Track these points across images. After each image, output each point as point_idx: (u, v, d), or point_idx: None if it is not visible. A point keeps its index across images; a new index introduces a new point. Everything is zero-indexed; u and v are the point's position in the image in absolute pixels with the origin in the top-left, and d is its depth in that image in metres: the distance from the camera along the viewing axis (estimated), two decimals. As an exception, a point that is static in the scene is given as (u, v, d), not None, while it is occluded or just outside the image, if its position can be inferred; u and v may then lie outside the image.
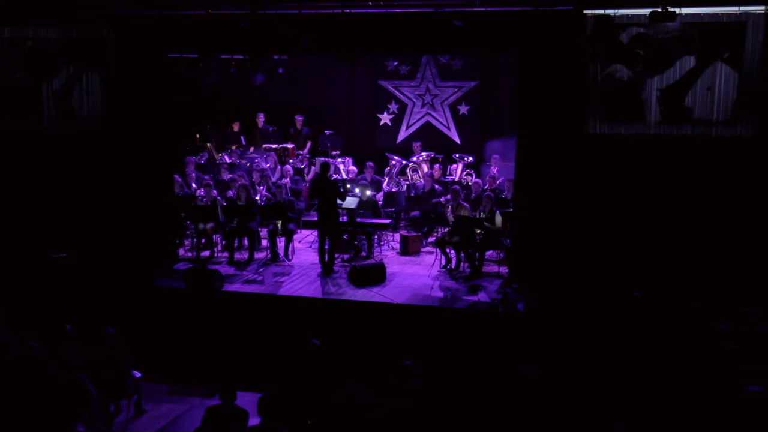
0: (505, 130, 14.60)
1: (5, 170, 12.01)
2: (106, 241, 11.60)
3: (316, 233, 11.86)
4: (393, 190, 13.68)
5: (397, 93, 15.96)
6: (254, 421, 6.50)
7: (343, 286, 10.56)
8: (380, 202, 13.04)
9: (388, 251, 12.58)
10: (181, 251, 12.34)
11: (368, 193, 12.72)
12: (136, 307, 10.25)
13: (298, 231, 12.82)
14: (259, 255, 12.00)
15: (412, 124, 15.96)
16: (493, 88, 15.33)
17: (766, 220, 9.54)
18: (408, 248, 12.34)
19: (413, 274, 11.19)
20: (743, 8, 9.16)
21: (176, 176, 12.75)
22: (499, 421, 6.58)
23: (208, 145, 15.16)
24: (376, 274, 10.74)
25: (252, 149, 15.14)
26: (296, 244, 12.35)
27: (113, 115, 11.55)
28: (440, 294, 10.27)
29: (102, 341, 7.93)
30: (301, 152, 15.15)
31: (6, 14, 11.47)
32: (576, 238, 10.14)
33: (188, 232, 12.48)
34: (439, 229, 11.93)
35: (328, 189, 11.10)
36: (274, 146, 15.03)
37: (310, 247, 12.50)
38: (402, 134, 16.03)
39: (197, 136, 15.30)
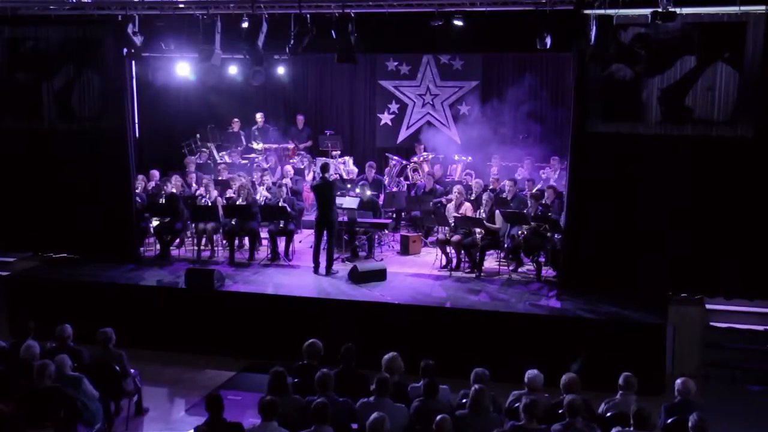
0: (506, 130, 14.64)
1: (6, 170, 12.00)
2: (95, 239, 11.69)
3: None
4: (393, 189, 13.68)
5: (398, 93, 15.96)
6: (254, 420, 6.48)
7: (343, 286, 10.55)
8: (381, 202, 13.04)
9: (388, 251, 12.57)
10: (182, 251, 12.33)
11: (368, 193, 12.71)
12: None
13: (299, 231, 12.81)
14: (260, 255, 11.99)
15: (413, 124, 15.97)
16: (493, 88, 15.33)
17: (766, 220, 9.53)
18: (408, 248, 12.34)
19: (413, 274, 11.18)
20: (744, 8, 9.12)
21: (176, 176, 12.77)
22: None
23: (209, 144, 15.16)
24: (376, 274, 10.73)
25: (252, 149, 15.15)
26: (296, 244, 12.34)
27: (113, 115, 11.54)
28: (440, 294, 10.26)
29: (102, 341, 7.91)
30: (302, 151, 15.16)
31: (6, 14, 11.46)
32: (583, 238, 10.18)
33: (188, 232, 12.48)
34: (439, 229, 11.92)
35: (326, 189, 11.09)
36: (274, 146, 15.04)
37: (311, 247, 12.46)
38: (402, 134, 16.04)
39: (197, 135, 15.30)
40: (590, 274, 10.14)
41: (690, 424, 5.78)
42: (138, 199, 12.08)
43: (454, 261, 11.41)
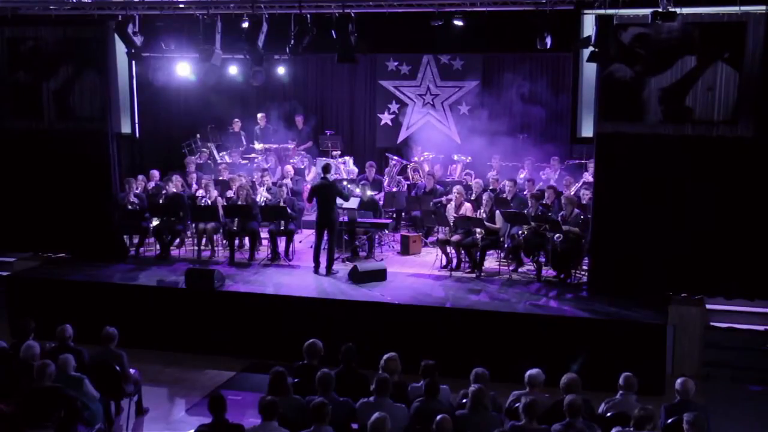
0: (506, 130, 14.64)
1: (6, 170, 11.99)
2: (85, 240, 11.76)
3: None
4: (393, 189, 13.67)
5: (398, 93, 15.95)
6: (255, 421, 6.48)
7: (343, 286, 10.55)
8: (381, 202, 13.04)
9: (389, 251, 12.57)
10: (182, 251, 12.33)
11: (369, 193, 12.71)
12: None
13: (299, 231, 12.81)
14: (260, 255, 11.99)
15: (413, 124, 15.96)
16: (493, 88, 15.33)
17: (766, 220, 9.53)
18: (408, 248, 12.34)
19: (413, 274, 11.18)
20: (744, 8, 9.13)
21: (177, 176, 12.76)
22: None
23: (209, 144, 15.16)
24: (377, 274, 10.73)
25: (252, 149, 15.14)
26: (297, 244, 12.34)
27: (99, 115, 11.53)
28: (440, 294, 10.26)
29: (102, 341, 7.91)
30: (302, 152, 15.16)
31: (6, 14, 11.46)
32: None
33: (188, 232, 12.48)
34: (440, 229, 11.93)
35: (327, 189, 11.10)
36: (274, 146, 15.03)
37: (311, 247, 12.45)
38: (402, 134, 16.03)
39: (197, 135, 15.30)
40: (605, 276, 10.13)
41: (686, 421, 5.78)
42: (136, 199, 12.09)
43: (455, 261, 11.41)
